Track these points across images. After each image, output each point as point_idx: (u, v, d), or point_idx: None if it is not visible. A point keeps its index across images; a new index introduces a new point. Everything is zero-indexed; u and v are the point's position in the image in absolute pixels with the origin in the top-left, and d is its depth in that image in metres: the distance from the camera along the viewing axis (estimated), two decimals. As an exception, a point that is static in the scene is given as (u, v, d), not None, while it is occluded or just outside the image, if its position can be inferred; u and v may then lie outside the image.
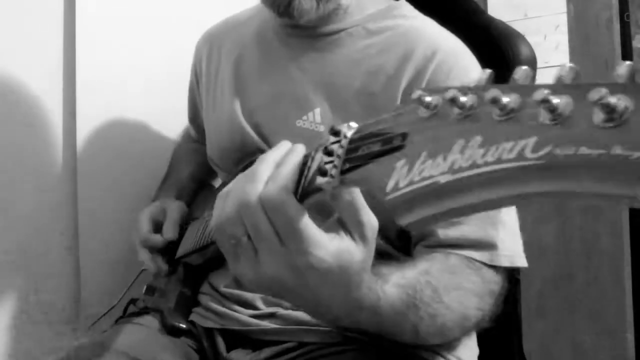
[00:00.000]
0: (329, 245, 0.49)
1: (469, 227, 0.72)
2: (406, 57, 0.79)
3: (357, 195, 0.49)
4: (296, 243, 0.48)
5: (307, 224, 0.48)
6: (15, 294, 1.09)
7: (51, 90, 1.13)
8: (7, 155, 1.08)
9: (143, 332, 0.87)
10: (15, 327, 1.08)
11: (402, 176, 0.38)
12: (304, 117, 0.82)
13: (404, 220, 0.38)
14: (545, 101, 0.31)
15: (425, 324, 0.64)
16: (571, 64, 0.33)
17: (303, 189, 0.48)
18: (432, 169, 0.36)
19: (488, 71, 0.38)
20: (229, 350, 0.83)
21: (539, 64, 0.97)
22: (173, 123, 1.21)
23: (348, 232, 0.51)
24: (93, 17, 1.14)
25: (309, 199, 0.48)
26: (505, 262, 0.73)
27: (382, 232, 0.77)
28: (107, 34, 1.16)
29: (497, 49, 0.93)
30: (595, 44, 1.67)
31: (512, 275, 0.79)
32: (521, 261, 0.75)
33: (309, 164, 0.49)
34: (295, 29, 0.86)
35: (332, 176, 0.45)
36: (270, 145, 0.84)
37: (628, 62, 0.31)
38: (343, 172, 0.44)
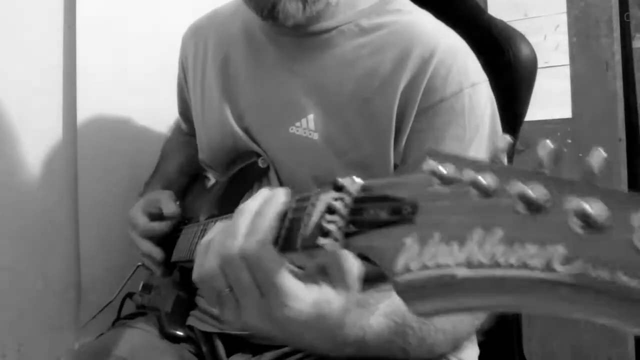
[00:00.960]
0: (306, 297, 0.49)
1: None
2: (402, 59, 0.75)
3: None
4: (275, 295, 0.48)
5: (285, 277, 0.48)
6: (15, 293, 1.09)
7: (51, 90, 1.13)
8: (6, 156, 1.08)
9: (143, 337, 0.86)
10: (15, 327, 1.08)
11: (412, 257, 0.35)
12: (297, 124, 0.78)
13: (415, 309, 0.36)
14: (579, 211, 0.28)
15: (414, 347, 0.63)
16: (601, 150, 0.29)
17: (286, 240, 0.48)
18: (447, 257, 0.33)
19: (506, 139, 0.35)
20: (228, 354, 0.83)
21: (539, 64, 0.97)
22: (173, 121, 1.21)
23: (328, 279, 0.51)
24: (93, 17, 1.14)
25: (307, 251, 0.46)
26: None
27: None
28: (107, 33, 1.16)
29: (498, 49, 0.93)
30: (595, 44, 1.67)
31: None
32: None
33: (308, 210, 0.47)
34: (284, 28, 0.80)
35: (336, 239, 0.42)
36: (263, 149, 0.82)
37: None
38: (347, 235, 0.42)
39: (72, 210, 1.15)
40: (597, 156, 0.29)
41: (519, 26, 1.01)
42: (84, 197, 1.15)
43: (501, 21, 0.99)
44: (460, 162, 0.35)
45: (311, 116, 0.78)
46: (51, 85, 1.13)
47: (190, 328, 0.88)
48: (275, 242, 0.48)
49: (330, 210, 0.43)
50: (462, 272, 0.32)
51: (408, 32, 0.77)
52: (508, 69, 0.92)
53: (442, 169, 0.35)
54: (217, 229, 0.53)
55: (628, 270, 0.26)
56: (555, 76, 1.70)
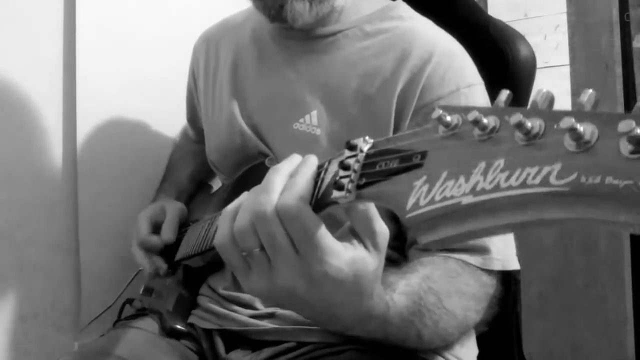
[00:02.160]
0: (344, 255, 0.49)
1: None
2: (402, 60, 0.78)
3: (370, 205, 0.49)
4: (312, 252, 0.48)
5: (324, 234, 0.48)
6: (15, 294, 1.09)
7: (51, 90, 1.13)
8: (7, 156, 1.08)
9: (142, 336, 0.87)
10: (16, 328, 1.08)
11: (422, 195, 0.38)
12: (301, 120, 0.81)
13: (425, 239, 0.38)
14: (572, 129, 0.31)
15: (429, 330, 0.64)
16: (592, 90, 0.33)
17: (317, 200, 0.48)
18: (454, 190, 0.36)
19: (506, 92, 0.38)
20: (228, 351, 0.83)
21: (539, 64, 0.97)
22: (173, 123, 1.21)
23: (361, 241, 0.51)
24: (93, 17, 1.14)
25: (322, 211, 0.48)
26: (497, 266, 0.73)
27: None
28: (107, 34, 1.16)
29: (497, 49, 0.93)
30: (595, 44, 1.67)
31: (512, 277, 0.79)
32: (513, 264, 0.76)
33: (322, 175, 0.49)
34: (291, 31, 0.84)
35: (349, 191, 0.44)
36: (269, 147, 0.84)
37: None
38: (359, 187, 0.44)
39: (72, 210, 1.15)
40: (588, 94, 0.33)
41: (519, 26, 1.01)
42: (84, 197, 1.15)
43: (500, 21, 0.99)
44: (466, 110, 0.37)
45: (314, 112, 0.81)
46: (51, 85, 1.13)
47: (192, 326, 0.88)
48: (310, 202, 0.48)
49: (344, 166, 0.45)
50: (467, 200, 0.35)
51: (408, 35, 0.80)
52: (507, 70, 0.93)
53: (448, 116, 0.38)
54: (244, 196, 0.52)
55: (616, 174, 0.30)
56: (555, 76, 1.71)
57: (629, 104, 1.65)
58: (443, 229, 0.37)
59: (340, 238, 0.50)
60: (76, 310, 1.15)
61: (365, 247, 0.51)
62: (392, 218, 0.79)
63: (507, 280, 0.78)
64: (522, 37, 0.95)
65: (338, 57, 0.83)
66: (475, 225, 0.36)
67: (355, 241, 0.51)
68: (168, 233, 0.93)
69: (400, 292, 0.61)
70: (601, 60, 1.65)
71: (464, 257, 0.72)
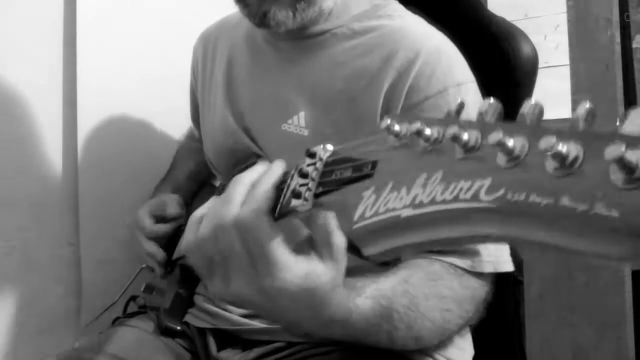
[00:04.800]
0: (296, 269, 0.50)
1: None
2: (388, 59, 0.77)
3: (329, 217, 0.49)
4: (265, 265, 0.49)
5: (277, 247, 0.49)
6: (16, 294, 1.09)
7: (51, 90, 1.13)
8: (7, 156, 1.08)
9: (136, 334, 0.88)
10: (16, 328, 1.08)
11: (368, 206, 0.38)
12: (289, 121, 0.81)
13: (368, 251, 0.38)
14: (500, 144, 0.31)
15: (401, 333, 0.64)
16: (538, 102, 0.32)
17: (281, 207, 0.48)
18: (396, 202, 0.36)
19: (459, 101, 0.38)
20: (220, 350, 0.84)
21: (539, 64, 0.97)
22: (174, 122, 1.21)
23: (317, 253, 0.51)
24: (93, 17, 1.14)
25: (285, 219, 0.48)
26: (488, 268, 0.73)
27: None
28: (107, 33, 1.16)
29: (498, 47, 0.93)
30: (595, 44, 1.67)
31: (511, 277, 0.79)
32: (506, 266, 0.75)
33: (288, 181, 0.49)
34: (281, 32, 0.84)
35: (305, 199, 0.45)
36: (260, 148, 0.85)
37: (587, 104, 0.30)
38: (317, 196, 0.45)
39: (72, 210, 1.15)
40: (530, 104, 0.32)
41: (519, 26, 1.01)
42: (84, 196, 1.15)
43: (502, 19, 0.99)
44: (412, 119, 0.37)
45: (302, 113, 0.81)
46: (51, 85, 1.13)
47: (187, 325, 0.89)
48: (272, 212, 0.49)
49: (303, 174, 0.46)
50: (406, 212, 0.35)
51: (396, 34, 0.80)
52: (508, 67, 0.92)
53: (396, 126, 0.38)
54: (210, 202, 0.54)
55: (540, 191, 0.29)
56: (555, 76, 1.70)
57: (629, 105, 1.65)
58: (383, 241, 0.37)
59: (297, 249, 0.51)
60: (77, 310, 1.15)
61: (321, 259, 0.51)
62: None
63: (507, 281, 0.77)
64: (524, 35, 0.94)
65: (325, 56, 0.83)
66: (414, 239, 0.36)
67: (311, 253, 0.51)
68: (173, 209, 0.93)
69: (366, 296, 0.61)
70: (601, 60, 1.65)
71: (453, 259, 0.72)
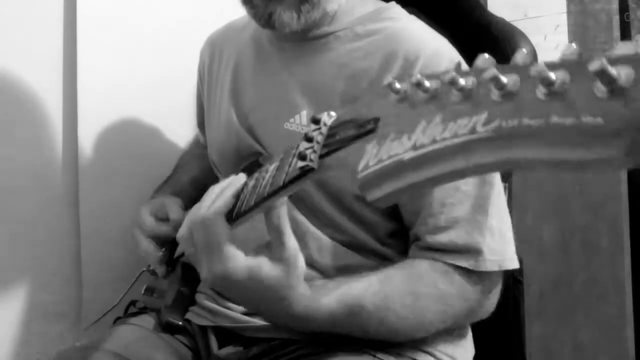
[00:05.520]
0: (240, 260, 0.63)
1: (456, 233, 0.75)
2: (389, 61, 0.79)
3: (283, 219, 0.61)
4: (216, 254, 0.62)
5: (226, 240, 0.62)
6: (16, 294, 1.09)
7: (51, 91, 1.13)
8: (7, 156, 1.08)
9: (137, 332, 0.88)
10: (17, 328, 1.08)
11: (372, 156, 0.42)
12: (291, 120, 0.83)
13: (372, 196, 0.42)
14: (494, 79, 0.34)
15: (372, 327, 0.72)
16: (530, 49, 0.36)
17: (237, 211, 0.61)
18: (398, 148, 0.40)
19: (457, 60, 0.41)
20: (221, 348, 0.84)
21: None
22: (174, 122, 1.21)
23: (270, 253, 0.63)
24: (94, 17, 1.14)
25: (240, 220, 0.61)
26: (492, 267, 0.75)
27: (373, 231, 0.80)
28: (107, 34, 1.16)
29: (498, 48, 0.93)
30: (595, 44, 1.67)
31: (512, 277, 0.80)
32: (511, 264, 0.77)
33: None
34: (286, 34, 0.86)
35: (311, 160, 0.50)
36: (263, 147, 0.86)
37: (573, 45, 0.34)
38: (322, 157, 0.50)
39: (72, 210, 1.15)
40: (523, 52, 0.36)
41: (519, 26, 1.01)
42: (85, 197, 1.15)
43: (502, 19, 0.99)
44: (411, 76, 0.41)
45: (304, 112, 0.83)
46: (51, 85, 1.13)
47: (188, 322, 0.90)
48: (230, 215, 0.62)
49: (308, 139, 0.51)
50: (409, 155, 0.38)
51: (397, 36, 0.82)
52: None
53: (397, 83, 0.42)
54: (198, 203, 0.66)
55: (531, 114, 0.33)
56: (555, 76, 1.70)
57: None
58: (388, 184, 0.40)
59: (257, 250, 0.63)
60: (78, 311, 1.15)
61: (271, 257, 0.63)
62: (386, 215, 0.81)
63: (507, 281, 0.78)
64: (523, 35, 0.95)
65: (328, 58, 0.85)
66: (415, 178, 0.38)
67: (265, 252, 0.63)
68: (175, 213, 0.94)
69: (332, 296, 0.69)
70: (601, 60, 1.65)
71: (455, 259, 0.74)
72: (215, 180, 1.07)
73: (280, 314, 0.67)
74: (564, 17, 1.72)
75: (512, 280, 0.87)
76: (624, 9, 1.64)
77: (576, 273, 1.64)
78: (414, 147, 0.38)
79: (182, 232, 0.68)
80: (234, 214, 0.62)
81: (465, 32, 0.82)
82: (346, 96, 0.81)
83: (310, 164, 0.50)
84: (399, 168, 0.39)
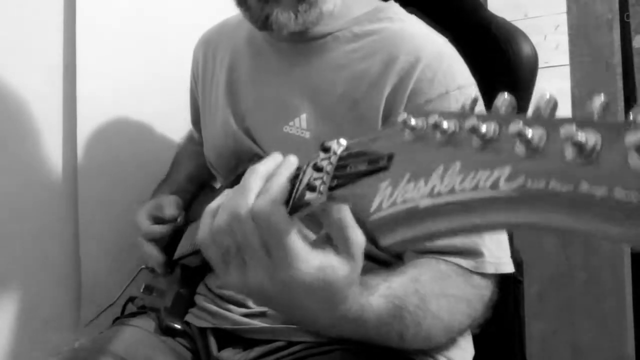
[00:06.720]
0: (312, 260, 0.50)
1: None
2: (389, 63, 0.78)
3: (345, 212, 0.49)
4: (281, 256, 0.49)
5: (294, 238, 0.49)
6: (16, 294, 1.09)
7: (51, 91, 1.13)
8: (7, 156, 1.08)
9: (138, 334, 0.88)
10: (16, 327, 1.08)
11: (385, 197, 0.39)
12: (291, 123, 0.82)
13: (386, 241, 0.39)
14: (520, 134, 0.32)
15: (411, 331, 0.64)
16: (552, 95, 0.34)
17: (294, 202, 0.49)
18: (414, 192, 0.37)
19: (472, 97, 0.39)
20: (220, 350, 0.84)
21: (539, 64, 0.97)
22: (173, 123, 1.21)
23: (334, 247, 0.51)
24: (93, 18, 1.14)
25: (299, 212, 0.49)
26: (490, 269, 0.73)
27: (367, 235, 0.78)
28: (107, 34, 1.16)
29: (498, 48, 0.93)
30: (595, 44, 1.67)
31: (512, 278, 0.80)
32: (507, 268, 0.76)
33: (300, 177, 0.49)
34: (283, 34, 0.84)
35: (320, 192, 0.46)
36: (262, 150, 0.85)
37: (602, 96, 0.31)
38: (331, 189, 0.45)
39: (72, 209, 1.15)
40: (545, 97, 0.33)
41: (519, 26, 1.01)
42: (84, 197, 1.15)
43: (502, 19, 0.99)
44: (429, 113, 0.38)
45: (304, 116, 0.81)
46: (51, 85, 1.13)
47: (188, 324, 0.89)
48: (286, 204, 0.49)
49: (318, 168, 0.47)
50: (425, 202, 0.36)
51: (397, 37, 0.80)
52: (508, 68, 0.93)
53: (412, 120, 0.39)
54: (225, 194, 0.54)
55: (559, 178, 0.30)
56: (555, 76, 1.70)
57: (629, 104, 1.65)
58: (402, 231, 0.38)
59: (315, 244, 0.51)
60: (77, 309, 1.15)
61: (338, 254, 0.51)
62: None
63: (507, 281, 0.78)
64: (524, 35, 0.94)
65: (327, 59, 0.83)
66: (432, 228, 0.36)
67: (328, 248, 0.51)
68: (171, 210, 0.93)
69: (379, 295, 0.61)
70: (601, 60, 1.65)
71: (458, 260, 0.73)
72: (211, 176, 1.07)
73: (334, 316, 0.55)
74: (564, 17, 1.72)
75: (512, 280, 0.87)
76: (624, 9, 1.64)
77: (576, 273, 1.64)
78: (431, 194, 0.36)
79: (203, 236, 0.54)
80: (290, 205, 0.49)
81: (466, 32, 0.82)
82: (345, 98, 0.79)
83: (320, 197, 0.46)
84: (414, 215, 0.37)
